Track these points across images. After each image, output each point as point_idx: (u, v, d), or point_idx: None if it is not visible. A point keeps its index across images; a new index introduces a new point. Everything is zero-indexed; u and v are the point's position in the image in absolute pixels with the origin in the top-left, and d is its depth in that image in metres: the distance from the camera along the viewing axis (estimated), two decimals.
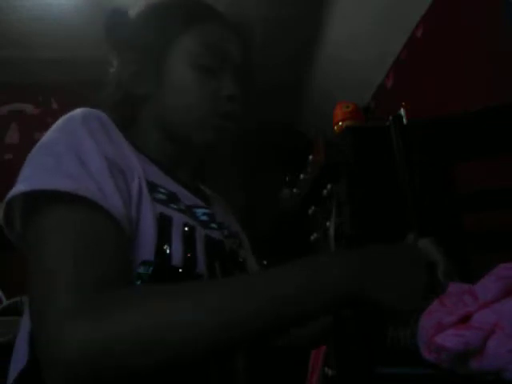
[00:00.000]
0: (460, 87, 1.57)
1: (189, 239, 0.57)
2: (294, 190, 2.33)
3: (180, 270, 0.54)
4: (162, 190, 0.59)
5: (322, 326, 0.77)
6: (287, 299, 0.45)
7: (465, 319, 0.43)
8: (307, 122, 3.13)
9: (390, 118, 1.01)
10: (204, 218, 0.65)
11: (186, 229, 0.58)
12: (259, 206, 3.19)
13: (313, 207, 1.99)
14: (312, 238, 1.95)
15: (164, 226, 0.55)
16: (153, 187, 0.58)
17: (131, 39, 0.66)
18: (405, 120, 1.04)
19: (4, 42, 2.33)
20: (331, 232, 1.58)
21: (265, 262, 0.83)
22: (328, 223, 1.63)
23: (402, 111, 1.73)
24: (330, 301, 0.46)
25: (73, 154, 0.49)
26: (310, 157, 1.99)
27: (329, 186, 1.66)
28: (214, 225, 0.66)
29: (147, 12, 0.68)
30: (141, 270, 0.51)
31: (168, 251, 0.54)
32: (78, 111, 0.56)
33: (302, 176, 2.12)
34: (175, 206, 0.59)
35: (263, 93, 2.78)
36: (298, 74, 2.74)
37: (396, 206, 1.02)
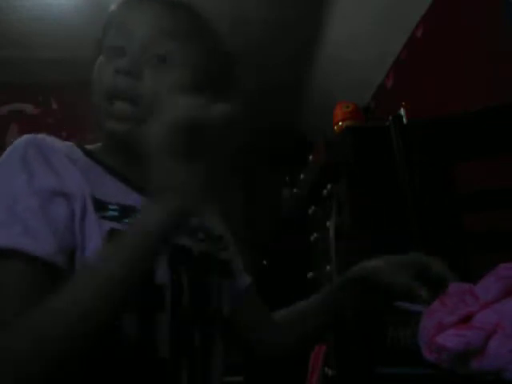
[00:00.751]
0: (460, 87, 1.57)
1: None
2: (294, 190, 2.33)
3: None
4: (113, 207, 0.58)
5: (314, 325, 0.77)
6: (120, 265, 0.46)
7: (466, 319, 0.43)
8: (307, 121, 3.13)
9: (390, 117, 1.01)
10: None
11: None
12: (259, 207, 3.19)
13: (313, 207, 1.99)
14: (312, 238, 1.95)
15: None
16: (102, 205, 0.57)
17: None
18: (405, 120, 1.04)
19: (4, 42, 2.33)
20: (331, 232, 1.58)
21: (265, 262, 0.83)
22: (328, 223, 1.63)
23: (402, 111, 1.73)
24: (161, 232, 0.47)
25: (3, 195, 0.51)
26: (310, 157, 1.99)
27: (329, 186, 1.66)
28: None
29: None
30: None
31: None
32: (21, 140, 0.57)
33: (301, 176, 2.12)
34: (128, 220, 0.58)
35: (263, 93, 2.79)
36: (298, 74, 2.74)
37: (396, 206, 1.02)
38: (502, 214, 0.97)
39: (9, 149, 0.56)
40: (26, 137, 0.57)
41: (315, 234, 1.91)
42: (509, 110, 0.96)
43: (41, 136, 0.58)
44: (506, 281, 0.43)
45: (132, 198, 0.62)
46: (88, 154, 0.64)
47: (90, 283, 0.46)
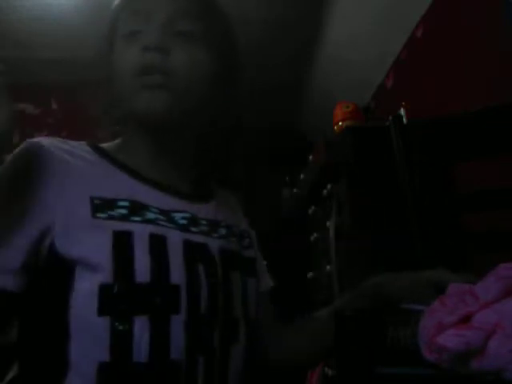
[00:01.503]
0: (460, 87, 1.57)
1: (157, 250, 0.56)
2: (294, 190, 2.33)
3: (147, 285, 0.54)
4: (122, 204, 0.57)
5: (322, 345, 0.73)
6: None
7: (466, 319, 0.43)
8: (307, 122, 3.13)
9: (390, 118, 1.01)
10: (183, 221, 0.62)
11: (153, 241, 0.56)
12: (259, 207, 3.18)
13: (313, 207, 1.99)
14: (312, 238, 1.95)
15: (121, 244, 0.54)
16: (109, 204, 0.57)
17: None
18: (405, 120, 1.04)
19: (4, 42, 2.33)
20: (331, 232, 1.58)
21: (265, 263, 0.82)
22: (328, 223, 1.63)
23: (402, 111, 1.73)
24: None
25: None
26: (310, 157, 1.99)
27: (329, 186, 1.66)
28: (197, 227, 0.63)
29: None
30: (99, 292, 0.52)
31: (128, 269, 0.53)
32: (21, 147, 0.57)
33: (301, 176, 2.12)
34: (138, 218, 0.57)
35: (263, 93, 2.79)
36: (298, 74, 2.73)
37: (396, 206, 1.02)
38: (501, 213, 0.97)
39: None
40: (24, 145, 0.57)
41: (315, 234, 1.91)
42: (509, 110, 0.96)
43: (36, 147, 0.57)
44: (506, 281, 0.43)
45: (145, 194, 0.61)
46: (98, 150, 0.63)
47: None
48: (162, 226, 0.59)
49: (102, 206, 0.56)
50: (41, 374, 0.54)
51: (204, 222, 0.65)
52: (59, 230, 0.53)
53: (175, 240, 0.59)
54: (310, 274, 1.99)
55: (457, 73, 1.60)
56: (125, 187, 0.60)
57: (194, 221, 0.64)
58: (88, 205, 0.55)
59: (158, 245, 0.57)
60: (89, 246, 0.53)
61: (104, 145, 0.67)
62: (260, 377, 0.75)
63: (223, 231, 0.68)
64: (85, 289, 0.52)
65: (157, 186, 0.63)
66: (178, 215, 0.62)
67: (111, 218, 0.56)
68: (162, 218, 0.60)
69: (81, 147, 0.63)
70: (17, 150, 0.57)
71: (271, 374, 0.79)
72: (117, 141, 0.68)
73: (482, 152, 1.01)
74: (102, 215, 0.56)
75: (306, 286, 2.02)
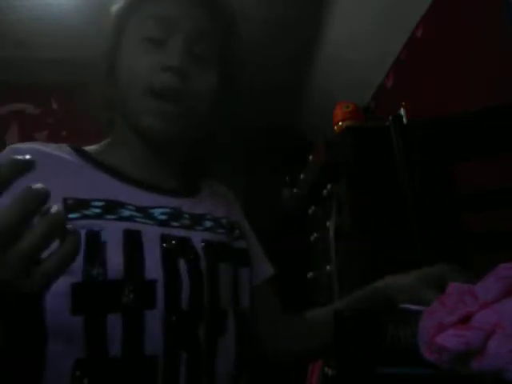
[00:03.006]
0: (460, 87, 1.57)
1: (131, 246, 0.56)
2: (294, 190, 2.33)
3: (119, 282, 0.53)
4: (96, 204, 0.57)
5: (321, 342, 0.72)
6: None
7: (465, 319, 0.43)
8: (307, 122, 3.13)
9: (390, 117, 1.01)
10: (163, 217, 0.62)
11: (126, 237, 0.56)
12: (259, 207, 3.18)
13: (313, 207, 1.99)
14: (312, 238, 1.95)
15: (94, 243, 0.54)
16: (83, 204, 0.56)
17: (105, 25, 0.67)
18: (405, 120, 1.04)
19: (4, 42, 2.33)
20: (331, 232, 1.58)
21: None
22: (328, 223, 1.63)
23: (402, 111, 1.73)
24: None
25: None
26: (310, 157, 1.99)
27: (329, 186, 1.66)
28: (175, 223, 0.63)
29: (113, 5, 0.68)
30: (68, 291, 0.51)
31: (100, 267, 0.53)
32: (6, 151, 0.56)
33: (301, 176, 2.12)
34: (112, 216, 0.57)
35: (263, 93, 2.79)
36: (298, 74, 2.73)
37: (396, 206, 1.02)
38: (502, 213, 0.97)
39: None
40: (11, 148, 0.57)
41: (315, 234, 1.91)
42: (509, 110, 0.96)
43: (28, 146, 0.58)
44: (506, 281, 0.43)
45: (125, 193, 0.61)
46: (79, 152, 0.63)
47: None
48: (138, 222, 0.59)
49: (74, 206, 0.56)
50: (17, 376, 0.54)
51: (187, 216, 0.65)
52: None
53: (151, 235, 0.59)
54: (310, 274, 1.99)
55: (457, 73, 1.60)
56: (101, 187, 0.60)
57: (175, 216, 0.64)
58: (60, 206, 0.55)
59: (132, 241, 0.56)
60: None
61: (91, 147, 0.67)
62: (259, 369, 0.74)
63: (209, 224, 0.67)
64: (57, 290, 0.50)
65: (134, 184, 0.63)
66: (157, 211, 0.62)
67: (84, 217, 0.55)
68: (138, 214, 0.60)
69: (61, 149, 0.62)
70: None
71: (271, 370, 0.79)
72: (104, 141, 0.69)
73: (482, 152, 1.01)
74: (74, 215, 0.55)
75: (306, 286, 2.02)
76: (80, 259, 0.52)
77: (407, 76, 2.04)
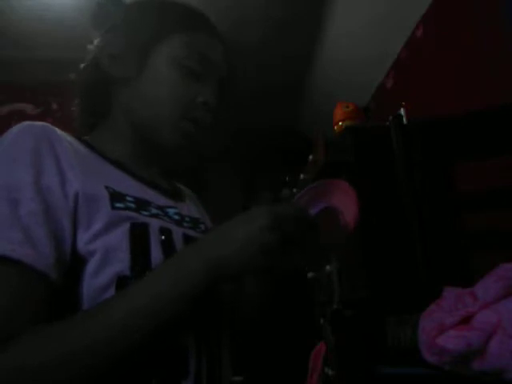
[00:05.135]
0: (460, 87, 1.57)
1: (167, 242, 0.58)
2: (294, 190, 2.33)
3: None
4: (130, 199, 0.58)
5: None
6: (145, 311, 0.47)
7: (466, 320, 0.43)
8: (307, 122, 3.13)
9: (390, 118, 1.01)
10: (176, 217, 0.65)
11: (163, 234, 0.58)
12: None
13: None
14: None
15: (139, 236, 0.55)
16: (120, 196, 0.57)
17: (120, 23, 0.67)
18: (405, 120, 1.04)
19: (4, 42, 2.33)
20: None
21: None
22: None
23: (402, 111, 1.73)
24: (196, 294, 0.50)
25: (6, 192, 0.49)
26: (310, 157, 1.99)
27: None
28: (186, 223, 0.66)
29: (142, 5, 0.69)
30: (114, 285, 0.51)
31: (145, 261, 0.54)
32: (30, 128, 0.55)
33: (301, 176, 2.12)
34: (146, 213, 0.58)
35: (263, 93, 2.79)
36: (298, 74, 2.73)
37: (396, 206, 1.02)
38: (502, 213, 0.97)
39: (15, 134, 0.54)
40: (35, 126, 0.55)
41: None
42: (509, 110, 0.96)
43: (50, 128, 0.57)
44: (506, 281, 0.43)
45: (142, 191, 0.62)
46: (84, 143, 0.63)
47: (120, 314, 0.46)
48: (164, 220, 0.61)
49: (116, 195, 0.56)
50: None
51: (188, 219, 0.68)
52: (82, 218, 0.52)
53: (178, 234, 0.61)
54: (310, 274, 1.99)
55: (457, 73, 1.60)
56: (124, 184, 0.61)
57: (182, 217, 0.67)
58: (106, 193, 0.55)
59: (166, 238, 0.58)
60: (110, 237, 0.53)
61: (85, 137, 0.66)
62: (259, 369, 0.75)
63: (203, 227, 0.72)
64: (99, 282, 0.51)
65: (147, 183, 0.65)
66: (171, 211, 0.65)
67: (127, 209, 0.56)
68: (161, 213, 0.62)
69: (67, 136, 0.61)
70: (25, 130, 0.55)
71: (271, 370, 0.79)
72: (94, 136, 0.68)
73: (482, 152, 1.01)
74: (120, 205, 0.56)
75: (306, 286, 2.02)
76: (127, 251, 0.53)
77: (407, 76, 2.04)
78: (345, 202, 0.60)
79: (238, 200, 3.22)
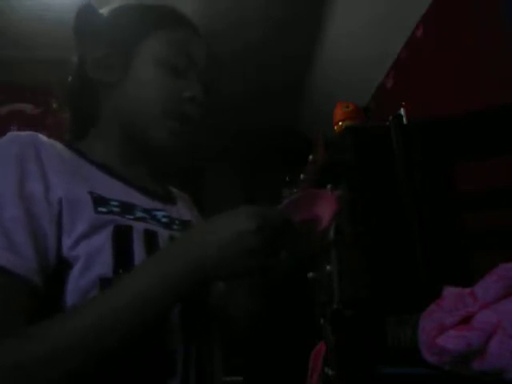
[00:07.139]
0: (460, 87, 1.57)
1: (151, 245, 0.58)
2: (294, 190, 2.33)
3: None
4: (114, 203, 0.58)
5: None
6: (128, 309, 0.47)
7: (466, 320, 0.43)
8: (307, 122, 3.13)
9: (390, 117, 1.01)
10: (165, 220, 0.65)
11: (147, 237, 0.58)
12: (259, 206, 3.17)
13: None
14: None
15: (122, 239, 0.55)
16: (104, 201, 0.57)
17: (100, 29, 0.69)
18: (405, 120, 1.04)
19: (4, 42, 2.33)
20: (331, 232, 1.58)
21: None
22: None
23: (402, 111, 1.73)
24: (177, 295, 0.50)
25: None
26: (310, 157, 1.99)
27: (329, 186, 1.66)
28: (175, 226, 0.66)
29: (120, 10, 0.70)
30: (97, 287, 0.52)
31: (127, 263, 0.54)
32: (15, 137, 0.55)
33: (301, 176, 2.12)
34: (131, 216, 0.59)
35: (263, 93, 2.79)
36: (298, 74, 2.73)
37: (396, 206, 1.02)
38: (502, 213, 0.97)
39: (0, 142, 0.54)
40: (21, 135, 0.56)
41: None
42: (509, 110, 0.96)
43: (37, 136, 0.57)
44: (506, 281, 0.43)
45: (128, 194, 0.62)
46: (72, 149, 0.63)
47: (110, 311, 0.46)
48: (150, 223, 0.61)
49: (99, 200, 0.57)
50: None
51: (177, 222, 0.68)
52: (65, 223, 0.52)
53: (164, 236, 0.61)
54: (310, 274, 1.98)
55: (457, 73, 1.60)
56: (108, 188, 0.61)
57: (171, 219, 0.67)
58: (89, 198, 0.55)
59: (151, 241, 0.58)
60: (93, 241, 0.53)
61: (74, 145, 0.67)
62: (259, 369, 0.75)
63: (166, 220, 0.71)
64: (83, 285, 0.51)
65: (134, 186, 0.65)
66: (158, 214, 0.65)
67: (110, 212, 0.56)
68: (147, 216, 0.62)
69: (55, 143, 0.61)
70: (11, 139, 0.55)
71: (271, 370, 0.79)
72: (85, 141, 0.68)
73: (482, 152, 1.01)
74: (103, 209, 0.56)
75: (306, 286, 2.02)
76: (109, 254, 0.53)
77: (407, 76, 2.04)
78: (323, 211, 0.60)
79: (237, 200, 3.22)
